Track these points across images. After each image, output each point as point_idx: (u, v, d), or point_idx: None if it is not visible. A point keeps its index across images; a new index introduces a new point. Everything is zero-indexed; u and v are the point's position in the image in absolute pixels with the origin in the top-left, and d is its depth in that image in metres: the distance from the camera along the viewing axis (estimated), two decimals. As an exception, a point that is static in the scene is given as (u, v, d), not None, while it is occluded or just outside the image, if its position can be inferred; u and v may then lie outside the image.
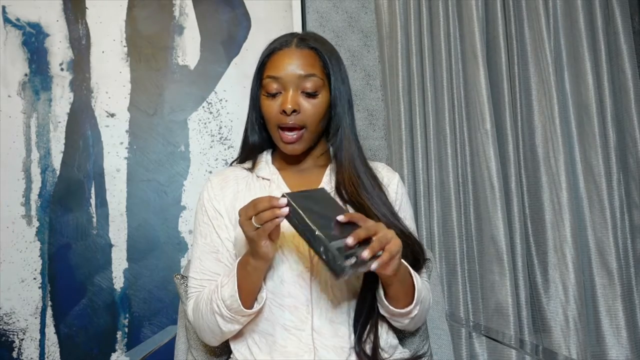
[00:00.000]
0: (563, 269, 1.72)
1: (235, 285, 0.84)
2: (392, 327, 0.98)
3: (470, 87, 1.81)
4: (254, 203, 0.77)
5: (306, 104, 0.91)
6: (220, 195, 0.99)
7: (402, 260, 0.86)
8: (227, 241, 0.96)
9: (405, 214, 1.00)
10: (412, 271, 0.88)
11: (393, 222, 0.91)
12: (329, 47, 0.96)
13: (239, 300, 0.83)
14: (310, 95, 0.91)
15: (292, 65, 0.90)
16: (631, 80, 1.86)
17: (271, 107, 0.92)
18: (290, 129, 0.92)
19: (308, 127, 0.93)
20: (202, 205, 1.00)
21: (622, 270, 1.75)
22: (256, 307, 0.86)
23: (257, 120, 0.98)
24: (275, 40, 0.96)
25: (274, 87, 0.91)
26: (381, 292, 0.88)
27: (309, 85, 0.91)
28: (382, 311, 0.90)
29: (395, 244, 0.76)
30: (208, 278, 0.95)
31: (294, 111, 0.90)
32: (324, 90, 0.93)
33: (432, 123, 1.77)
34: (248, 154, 1.04)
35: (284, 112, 0.90)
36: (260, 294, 0.87)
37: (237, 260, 0.87)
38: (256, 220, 0.77)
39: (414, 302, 0.86)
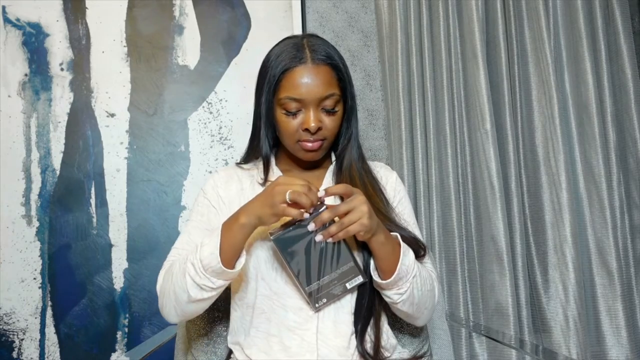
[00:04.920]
0: (563, 269, 1.72)
1: (217, 243, 0.81)
2: (391, 325, 0.99)
3: (470, 87, 1.81)
4: (308, 186, 0.80)
5: (327, 120, 0.93)
6: (225, 187, 1.00)
7: (397, 235, 0.89)
8: None
9: (404, 209, 1.02)
10: (403, 248, 0.87)
11: (386, 225, 0.91)
12: (337, 54, 0.96)
13: (218, 257, 0.80)
14: (330, 111, 0.93)
15: (312, 85, 0.90)
16: (631, 80, 1.86)
17: (291, 124, 0.93)
18: (311, 141, 0.94)
19: (328, 139, 0.95)
20: (205, 191, 1.01)
21: (622, 270, 1.75)
22: (237, 267, 0.84)
23: (271, 134, 0.99)
24: (283, 53, 0.93)
25: (293, 106, 0.91)
26: (372, 263, 0.89)
27: (329, 103, 0.92)
28: (375, 285, 0.91)
29: (355, 215, 0.80)
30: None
31: (318, 128, 0.92)
32: (340, 104, 0.95)
33: (432, 123, 1.77)
34: (252, 159, 1.05)
35: (307, 130, 0.92)
36: (239, 259, 0.85)
37: (223, 222, 0.85)
38: (292, 195, 0.78)
39: (395, 273, 0.85)
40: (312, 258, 0.84)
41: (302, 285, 0.86)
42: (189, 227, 0.98)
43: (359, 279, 0.87)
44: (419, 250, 0.94)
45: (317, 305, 0.88)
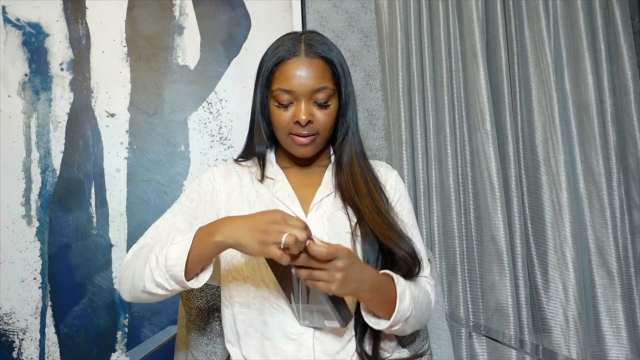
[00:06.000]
0: (563, 269, 1.72)
1: (187, 249, 0.77)
2: None
3: (470, 87, 1.81)
4: (306, 232, 0.73)
5: (319, 114, 0.92)
6: (224, 181, 1.00)
7: (390, 273, 0.87)
8: (209, 220, 0.92)
9: (402, 208, 1.01)
10: (399, 292, 0.85)
11: (384, 229, 0.91)
12: (335, 51, 0.96)
13: (183, 266, 0.77)
14: (322, 105, 0.93)
15: (304, 77, 0.90)
16: (631, 80, 1.86)
17: (282, 117, 0.93)
18: (303, 135, 0.93)
19: (320, 134, 0.94)
20: (201, 180, 1.00)
21: (622, 270, 1.75)
22: (194, 283, 0.80)
23: (266, 129, 0.98)
24: (279, 46, 0.94)
25: (285, 98, 0.91)
26: (362, 304, 0.88)
27: (321, 96, 0.92)
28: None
29: (326, 277, 0.75)
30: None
31: (309, 121, 0.91)
32: (334, 98, 0.94)
33: (432, 123, 1.77)
34: (251, 155, 1.04)
35: (297, 122, 0.91)
36: (203, 273, 0.82)
37: (199, 227, 0.81)
38: (288, 239, 0.71)
39: (389, 323, 0.84)
40: (294, 280, 0.83)
41: (287, 299, 0.87)
42: (174, 209, 0.96)
43: (335, 324, 0.83)
44: (414, 270, 0.92)
45: (300, 323, 0.88)
